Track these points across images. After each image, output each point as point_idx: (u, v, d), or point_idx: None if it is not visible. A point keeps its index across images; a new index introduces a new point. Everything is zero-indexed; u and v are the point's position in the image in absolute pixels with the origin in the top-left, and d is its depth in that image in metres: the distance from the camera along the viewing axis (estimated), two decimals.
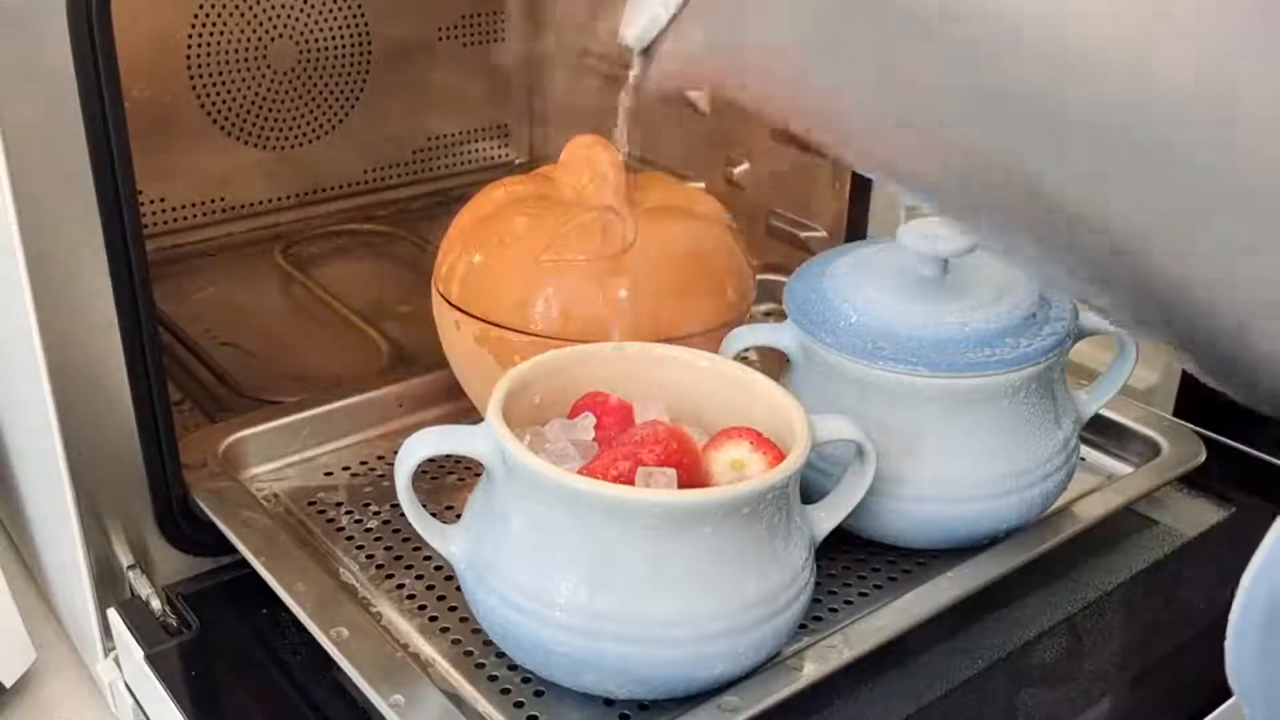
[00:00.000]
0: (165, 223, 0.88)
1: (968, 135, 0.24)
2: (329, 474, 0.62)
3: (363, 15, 0.92)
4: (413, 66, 0.96)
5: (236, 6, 0.86)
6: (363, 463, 0.63)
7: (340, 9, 0.91)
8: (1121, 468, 0.65)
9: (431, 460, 0.47)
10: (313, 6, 0.89)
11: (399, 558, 0.56)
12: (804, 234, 0.82)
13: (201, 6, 0.84)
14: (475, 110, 1.02)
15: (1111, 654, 0.54)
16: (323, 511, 0.59)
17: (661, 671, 0.45)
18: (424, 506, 0.48)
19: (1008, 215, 0.25)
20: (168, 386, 0.55)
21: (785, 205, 0.83)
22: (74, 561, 0.55)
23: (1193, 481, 0.63)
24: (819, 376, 0.55)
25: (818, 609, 0.53)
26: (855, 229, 0.76)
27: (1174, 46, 0.21)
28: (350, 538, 0.57)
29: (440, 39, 0.97)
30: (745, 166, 0.86)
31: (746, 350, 0.58)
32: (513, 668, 0.49)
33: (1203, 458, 0.62)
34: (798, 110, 0.28)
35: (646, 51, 0.43)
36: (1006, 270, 0.57)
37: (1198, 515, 0.63)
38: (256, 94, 0.89)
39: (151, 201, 0.87)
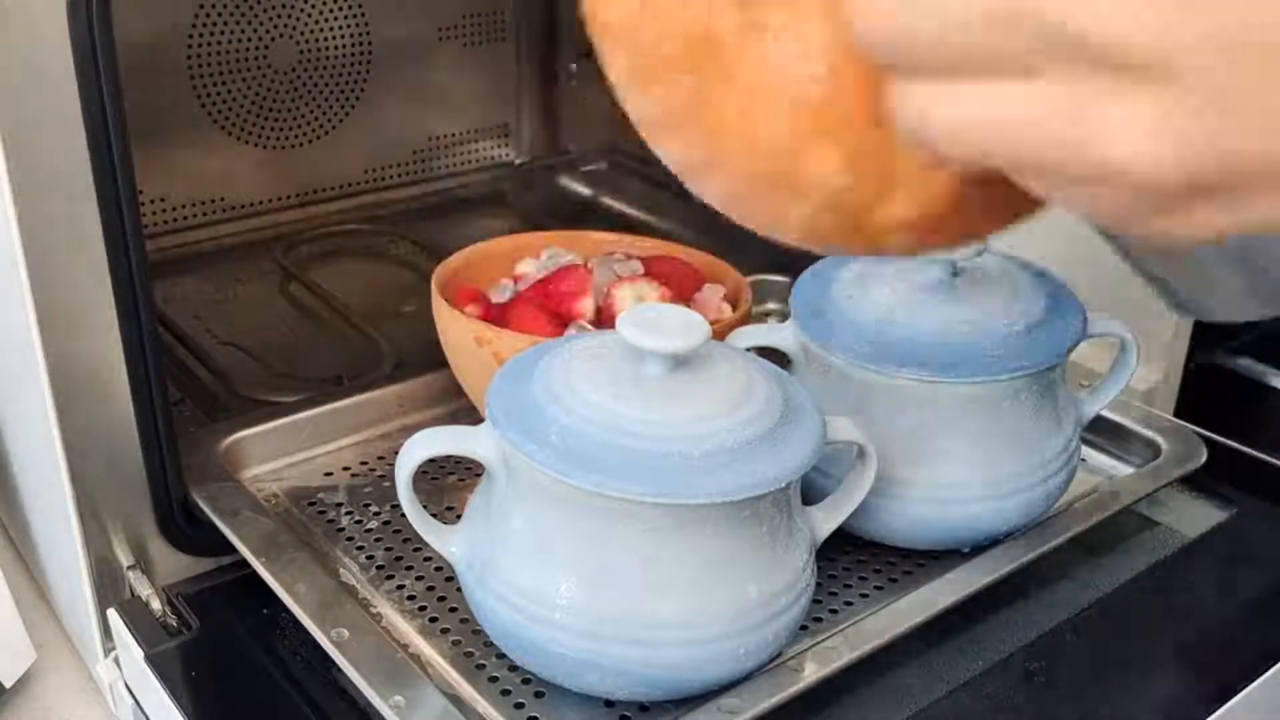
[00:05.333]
0: (165, 223, 0.88)
1: None
2: (329, 474, 0.62)
3: (363, 15, 0.92)
4: (413, 66, 0.96)
5: (236, 6, 0.86)
6: (363, 463, 0.63)
7: (340, 9, 0.91)
8: (1122, 469, 0.65)
9: (432, 461, 0.47)
10: (313, 6, 0.89)
11: (399, 558, 0.56)
12: None
13: (202, 6, 0.84)
14: (475, 110, 1.01)
15: (1112, 655, 0.54)
16: (323, 512, 0.59)
17: (662, 673, 0.45)
18: (424, 507, 0.48)
19: None
20: (168, 386, 0.55)
21: None
22: (74, 561, 0.55)
23: (1193, 482, 0.63)
24: (820, 377, 0.55)
25: (818, 610, 0.53)
26: None
27: None
28: (350, 538, 0.57)
29: (440, 39, 0.97)
30: None
31: (748, 350, 0.58)
32: (513, 668, 0.49)
33: (1203, 458, 0.62)
34: None
35: None
36: (1016, 275, 0.57)
37: (1199, 516, 0.62)
38: (256, 94, 0.89)
39: (151, 201, 0.87)
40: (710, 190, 0.27)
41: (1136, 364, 0.59)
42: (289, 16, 0.88)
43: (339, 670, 0.47)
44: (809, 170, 0.25)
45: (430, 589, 0.54)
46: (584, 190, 1.02)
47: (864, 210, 0.25)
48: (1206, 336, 0.75)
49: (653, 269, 0.62)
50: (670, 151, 0.27)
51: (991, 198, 0.25)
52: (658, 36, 0.25)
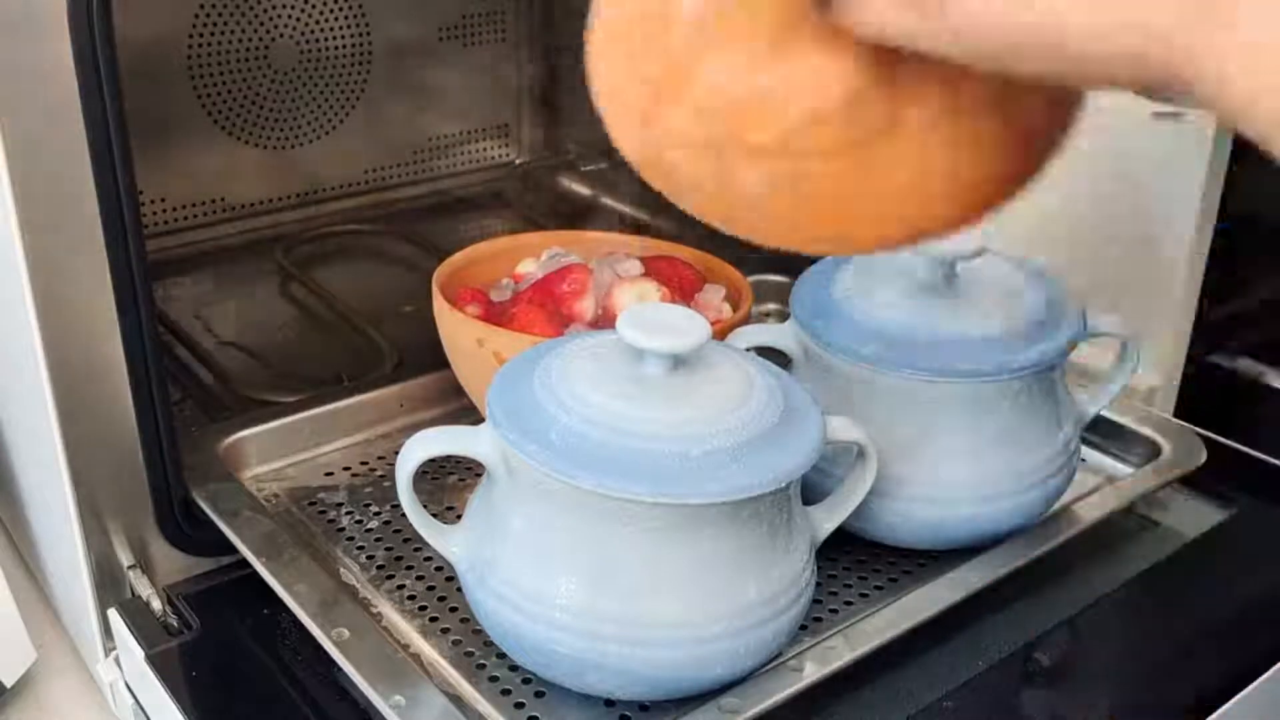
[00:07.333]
0: (165, 223, 0.88)
1: None
2: (329, 474, 0.62)
3: (363, 15, 0.92)
4: (413, 66, 0.96)
5: (237, 6, 0.86)
6: (363, 463, 0.63)
7: (340, 9, 0.91)
8: (1122, 469, 0.65)
9: (432, 461, 0.47)
10: (313, 6, 0.89)
11: (399, 558, 0.56)
12: None
13: (202, 6, 0.84)
14: (475, 110, 1.02)
15: (1111, 655, 0.54)
16: (323, 512, 0.59)
17: (662, 672, 0.45)
18: (424, 507, 0.48)
19: None
20: (168, 386, 0.55)
21: None
22: (74, 561, 0.55)
23: (1193, 482, 0.63)
24: (820, 377, 0.55)
25: (818, 610, 0.53)
26: None
27: None
28: (351, 538, 0.57)
29: (440, 39, 0.97)
30: None
31: (748, 350, 0.58)
32: (514, 668, 0.49)
33: (1203, 458, 0.62)
34: None
35: None
36: (1015, 275, 0.57)
37: (1198, 516, 0.62)
38: (256, 94, 0.89)
39: (151, 201, 0.87)
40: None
41: (1137, 364, 0.59)
42: (289, 16, 0.89)
43: (339, 670, 0.47)
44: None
45: (430, 589, 0.54)
46: (584, 190, 1.02)
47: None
48: (1206, 337, 0.75)
49: (653, 269, 0.62)
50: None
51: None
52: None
